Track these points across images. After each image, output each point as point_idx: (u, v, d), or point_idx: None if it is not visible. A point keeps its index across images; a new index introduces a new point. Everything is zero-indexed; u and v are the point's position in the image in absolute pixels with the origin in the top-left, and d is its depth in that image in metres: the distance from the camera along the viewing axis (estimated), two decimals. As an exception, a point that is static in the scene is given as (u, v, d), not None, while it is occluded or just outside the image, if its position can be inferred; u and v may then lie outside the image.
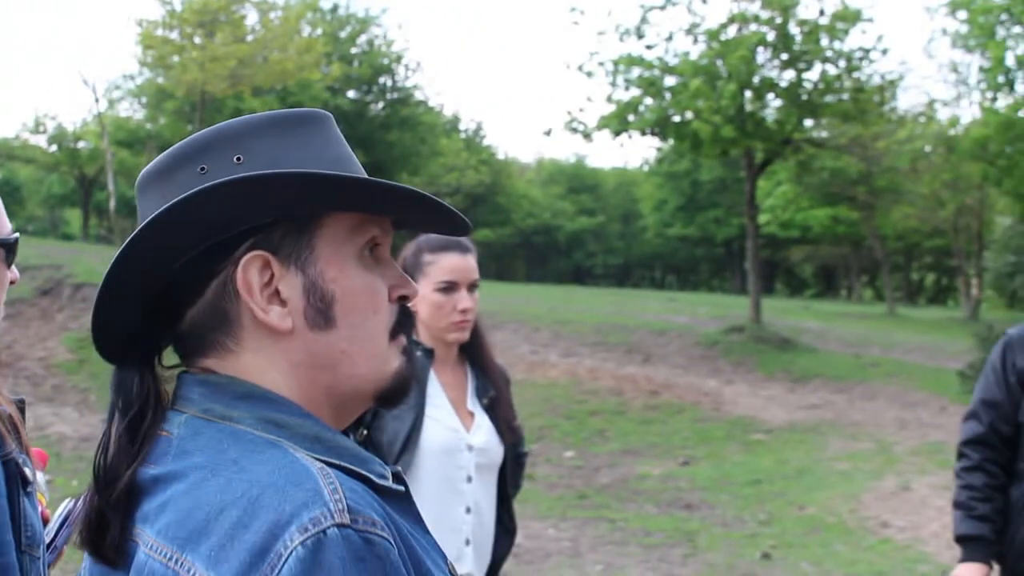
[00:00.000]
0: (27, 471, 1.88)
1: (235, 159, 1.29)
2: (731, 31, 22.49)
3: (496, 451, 3.51)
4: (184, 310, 1.33)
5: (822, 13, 22.31)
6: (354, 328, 1.32)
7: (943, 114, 38.43)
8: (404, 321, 1.39)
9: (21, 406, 1.96)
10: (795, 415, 16.12)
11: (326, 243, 1.31)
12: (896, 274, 66.14)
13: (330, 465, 1.20)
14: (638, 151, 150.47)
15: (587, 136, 23.64)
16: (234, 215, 1.28)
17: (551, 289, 44.34)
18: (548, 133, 29.57)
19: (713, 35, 22.48)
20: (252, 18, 23.33)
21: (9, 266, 2.03)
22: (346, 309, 1.32)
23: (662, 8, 22.99)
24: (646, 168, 67.19)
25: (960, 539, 3.82)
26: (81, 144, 52.01)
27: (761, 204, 50.99)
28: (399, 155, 47.32)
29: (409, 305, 1.40)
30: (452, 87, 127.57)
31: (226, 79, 21.14)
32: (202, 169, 1.29)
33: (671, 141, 24.12)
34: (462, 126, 65.30)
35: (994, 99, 36.19)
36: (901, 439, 14.36)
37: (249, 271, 1.29)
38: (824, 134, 28.45)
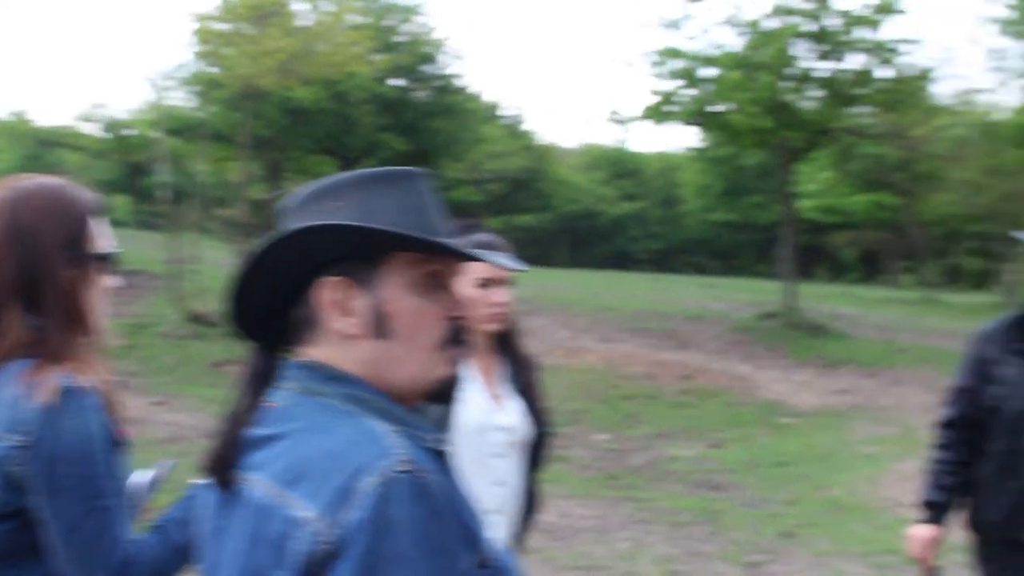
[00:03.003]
0: (122, 436, 2.40)
1: (337, 206, 1.81)
2: (769, 23, 22.65)
3: (524, 431, 3.94)
4: (293, 311, 1.85)
5: (858, 7, 22.47)
6: (406, 340, 1.80)
7: (985, 101, 38.44)
8: (456, 336, 1.86)
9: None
10: (825, 400, 16.42)
11: (388, 274, 1.79)
12: (937, 259, 65.89)
13: (395, 430, 1.69)
14: (681, 138, 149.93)
15: (628, 127, 23.94)
16: (321, 249, 1.78)
17: (592, 275, 44.52)
18: (588, 122, 29.88)
19: (752, 26, 22.67)
20: (301, 11, 23.79)
21: (108, 275, 2.55)
22: (399, 325, 1.80)
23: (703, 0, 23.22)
24: (688, 154, 67.26)
25: (923, 504, 4.37)
26: (130, 132, 52.77)
27: (804, 189, 51.04)
28: (443, 142, 47.67)
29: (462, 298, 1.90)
30: (495, 74, 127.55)
31: (276, 72, 21.69)
32: (316, 211, 1.81)
33: (709, 131, 24.34)
34: (504, 113, 65.46)
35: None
36: (925, 423, 14.63)
37: (328, 289, 1.79)
38: (864, 121, 28.56)
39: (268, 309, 1.87)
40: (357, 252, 1.78)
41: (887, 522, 9.72)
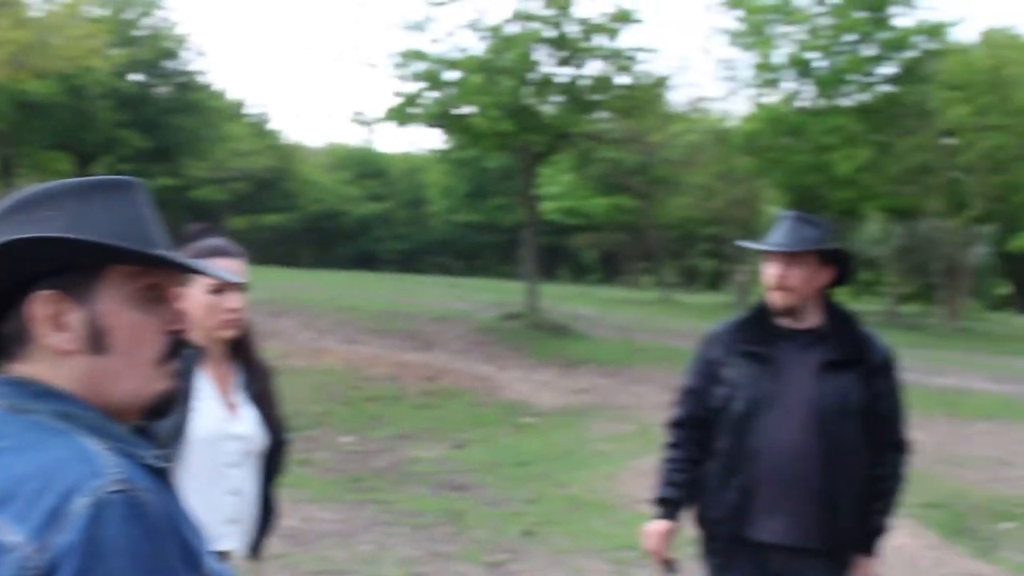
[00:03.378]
0: None
1: (49, 216, 1.70)
2: (512, 28, 22.92)
3: (259, 439, 3.87)
4: (2, 326, 1.74)
5: (597, 13, 23.04)
6: (124, 355, 1.72)
7: (717, 109, 40.03)
8: (176, 350, 1.79)
9: None
10: (565, 399, 16.71)
11: (105, 287, 1.71)
12: (674, 261, 68.11)
13: (109, 448, 1.64)
14: (426, 139, 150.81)
15: (372, 127, 23.90)
16: (31, 262, 1.68)
17: (336, 275, 44.30)
18: (333, 122, 29.64)
19: (494, 31, 22.89)
20: (33, 2, 22.98)
21: None
22: (117, 340, 1.72)
23: (446, 3, 23.28)
24: (433, 155, 67.77)
25: (656, 501, 4.52)
26: None
27: (546, 192, 52.00)
28: (185, 140, 46.79)
29: (182, 310, 1.85)
30: (239, 72, 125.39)
31: (7, 64, 20.89)
32: (26, 220, 1.70)
33: (452, 134, 24.48)
34: (248, 111, 64.57)
35: (764, 95, 37.97)
36: (662, 421, 15.01)
37: (40, 303, 1.68)
38: (607, 126, 29.26)
39: None
40: (71, 265, 1.70)
41: (625, 518, 9.95)
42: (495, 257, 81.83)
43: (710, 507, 4.38)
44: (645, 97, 24.44)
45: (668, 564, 4.51)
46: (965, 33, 43.85)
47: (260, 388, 3.95)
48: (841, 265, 4.39)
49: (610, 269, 78.69)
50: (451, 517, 10.05)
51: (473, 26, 23.32)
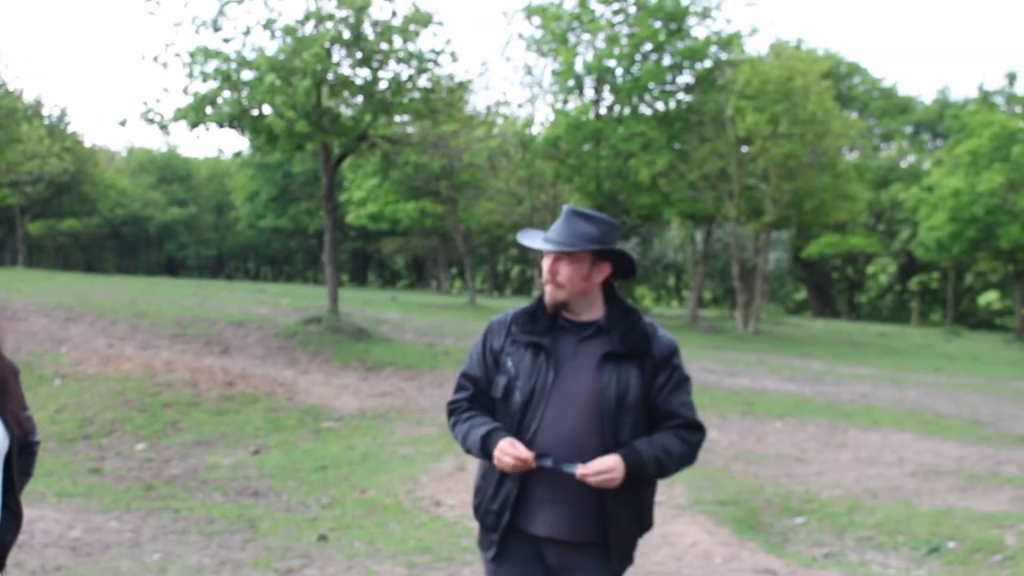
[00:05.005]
0: None
1: None
2: (308, 28, 22.68)
3: (1, 441, 3.70)
4: None
5: (394, 15, 22.95)
6: None
7: (520, 114, 40.39)
8: None
9: None
10: (366, 403, 16.60)
11: None
12: (483, 266, 68.59)
13: None
14: (230, 143, 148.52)
15: (163, 128, 23.28)
16: None
17: (135, 281, 43.41)
18: (123, 123, 28.87)
19: (289, 31, 22.60)
20: None
21: None
22: None
23: (239, 2, 22.87)
24: (238, 158, 66.77)
25: (485, 439, 4.23)
26: None
27: (352, 196, 51.76)
28: (-27, 141, 45.15)
29: None
30: (34, 71, 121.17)
31: None
32: None
33: (248, 134, 24.04)
34: (45, 112, 62.63)
35: (565, 101, 38.50)
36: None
37: None
38: (410, 130, 29.23)
39: None
40: None
41: (423, 521, 9.96)
42: (304, 262, 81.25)
43: (487, 498, 4.33)
44: (446, 100, 24.46)
45: (539, 457, 4.13)
46: (758, 44, 45.25)
47: (2, 387, 3.76)
48: (618, 260, 4.39)
49: (420, 274, 78.87)
50: (245, 524, 9.90)
51: (267, 26, 22.96)
